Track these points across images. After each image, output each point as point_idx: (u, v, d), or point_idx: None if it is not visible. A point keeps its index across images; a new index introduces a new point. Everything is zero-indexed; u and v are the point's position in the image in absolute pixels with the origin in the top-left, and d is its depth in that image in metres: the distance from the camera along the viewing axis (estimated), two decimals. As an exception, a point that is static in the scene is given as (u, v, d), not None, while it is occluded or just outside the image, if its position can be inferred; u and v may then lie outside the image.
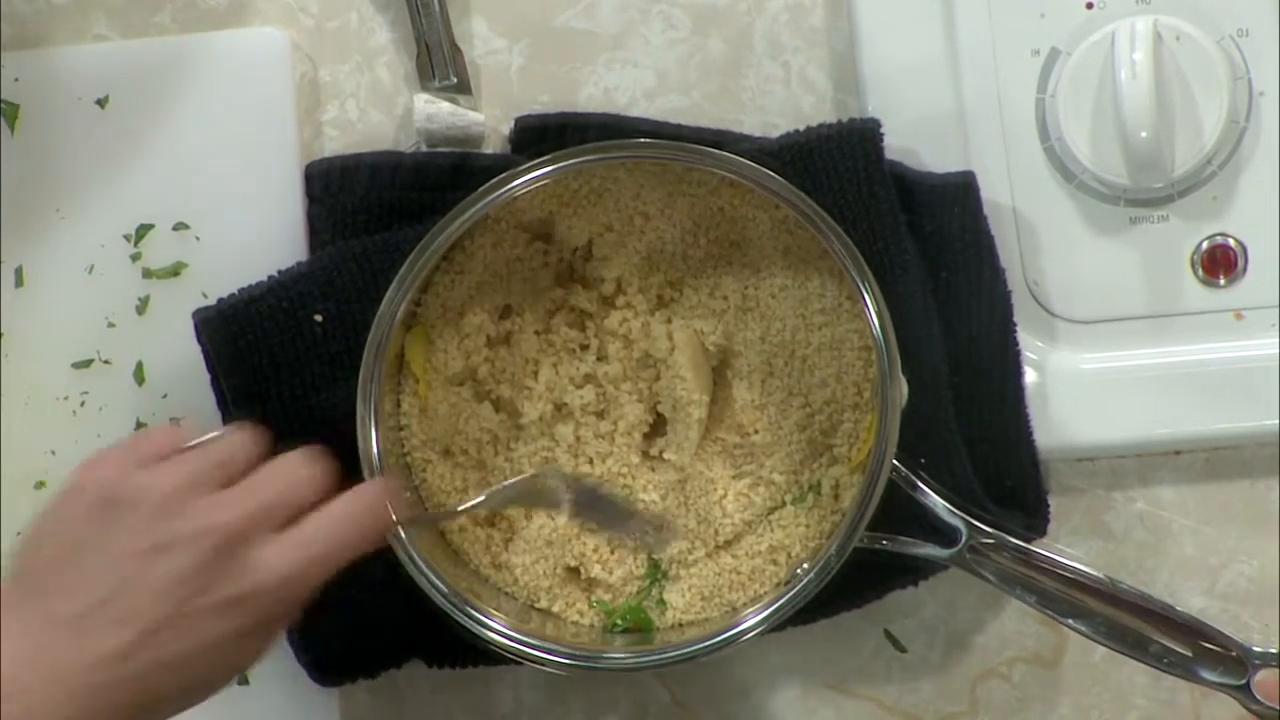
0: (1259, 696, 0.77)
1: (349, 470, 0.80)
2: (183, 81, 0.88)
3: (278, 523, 0.72)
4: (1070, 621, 0.79)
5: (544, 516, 0.84)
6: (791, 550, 0.83)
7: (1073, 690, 0.87)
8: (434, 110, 0.87)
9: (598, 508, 0.82)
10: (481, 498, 0.82)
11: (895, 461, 0.78)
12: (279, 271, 0.84)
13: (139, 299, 0.87)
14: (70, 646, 0.68)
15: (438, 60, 0.88)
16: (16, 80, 0.88)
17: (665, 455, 0.84)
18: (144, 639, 0.68)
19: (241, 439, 0.75)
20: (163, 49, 0.88)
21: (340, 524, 0.74)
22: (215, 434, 0.76)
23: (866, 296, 0.78)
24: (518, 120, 0.87)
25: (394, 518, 0.77)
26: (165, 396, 0.87)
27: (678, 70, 0.88)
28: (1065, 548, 0.87)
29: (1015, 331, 0.84)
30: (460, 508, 0.82)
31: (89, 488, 0.72)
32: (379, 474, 0.81)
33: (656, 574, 0.84)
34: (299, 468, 0.75)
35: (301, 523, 0.73)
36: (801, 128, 0.83)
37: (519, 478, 0.83)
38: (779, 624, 0.79)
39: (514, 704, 0.89)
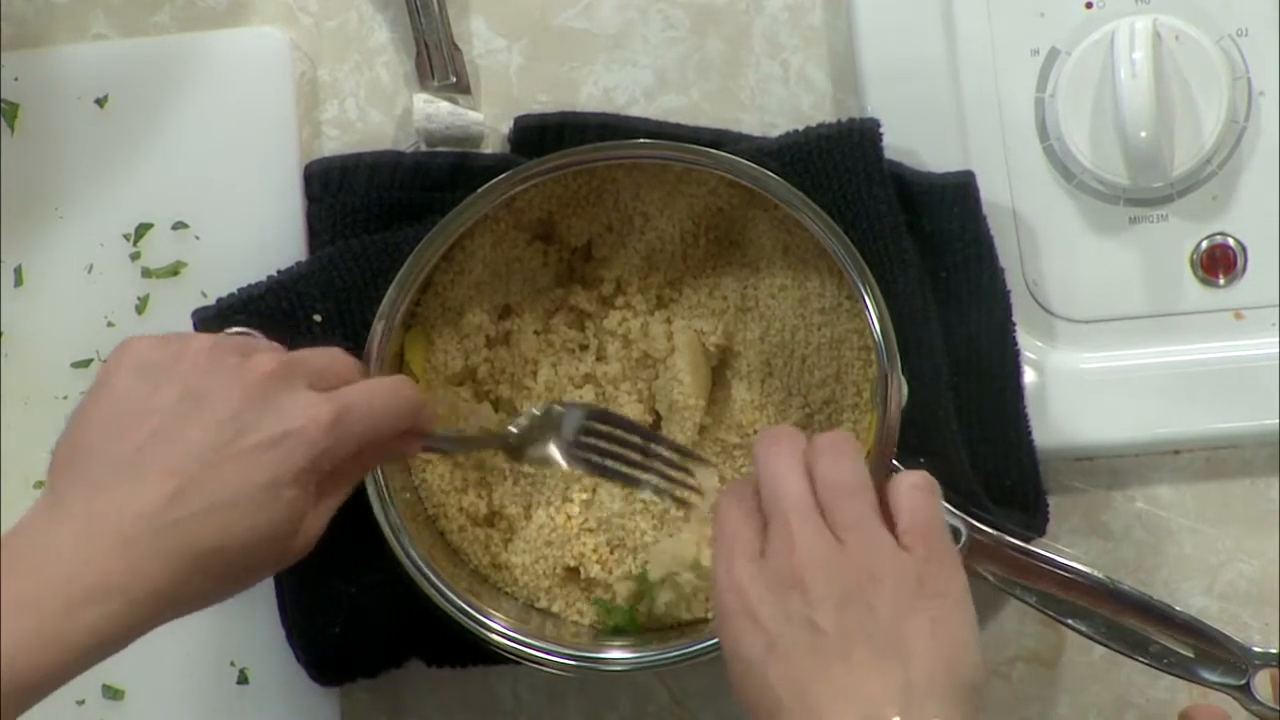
0: (1259, 697, 0.77)
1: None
2: (182, 81, 0.88)
3: (319, 384, 0.72)
4: (1070, 621, 0.79)
5: (545, 516, 0.84)
6: (791, 550, 0.83)
7: (1071, 689, 0.87)
8: (433, 110, 0.87)
9: (611, 445, 0.82)
10: (504, 428, 0.81)
11: (895, 461, 0.78)
12: (278, 271, 0.84)
13: (138, 298, 0.87)
14: (111, 501, 0.67)
15: (437, 60, 0.88)
16: (16, 79, 0.88)
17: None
18: (183, 486, 0.67)
19: (330, 353, 0.76)
20: (162, 48, 0.88)
21: (376, 393, 0.74)
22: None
23: (866, 296, 0.78)
24: (517, 120, 0.87)
25: (427, 418, 0.77)
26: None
27: (677, 70, 0.88)
28: (1064, 547, 0.87)
29: (1014, 331, 0.84)
30: (470, 435, 0.82)
31: (126, 357, 0.71)
32: (378, 473, 0.81)
33: (647, 585, 0.84)
34: (342, 356, 0.75)
35: (340, 388, 0.73)
36: (801, 127, 0.83)
37: (534, 409, 0.82)
38: (779, 624, 0.79)
39: (513, 703, 0.89)
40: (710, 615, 0.83)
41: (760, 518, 0.70)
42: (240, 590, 0.72)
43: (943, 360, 0.82)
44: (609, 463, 0.81)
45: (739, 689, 0.68)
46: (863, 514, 0.69)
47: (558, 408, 0.81)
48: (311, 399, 0.71)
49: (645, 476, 0.82)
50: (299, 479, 0.70)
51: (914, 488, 0.70)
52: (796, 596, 0.66)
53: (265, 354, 0.72)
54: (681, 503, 0.82)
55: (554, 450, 0.81)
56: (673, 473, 0.82)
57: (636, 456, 0.82)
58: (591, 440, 0.81)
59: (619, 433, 0.81)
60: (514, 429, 0.81)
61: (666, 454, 0.82)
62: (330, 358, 0.75)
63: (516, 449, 0.81)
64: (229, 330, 0.78)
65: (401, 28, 0.89)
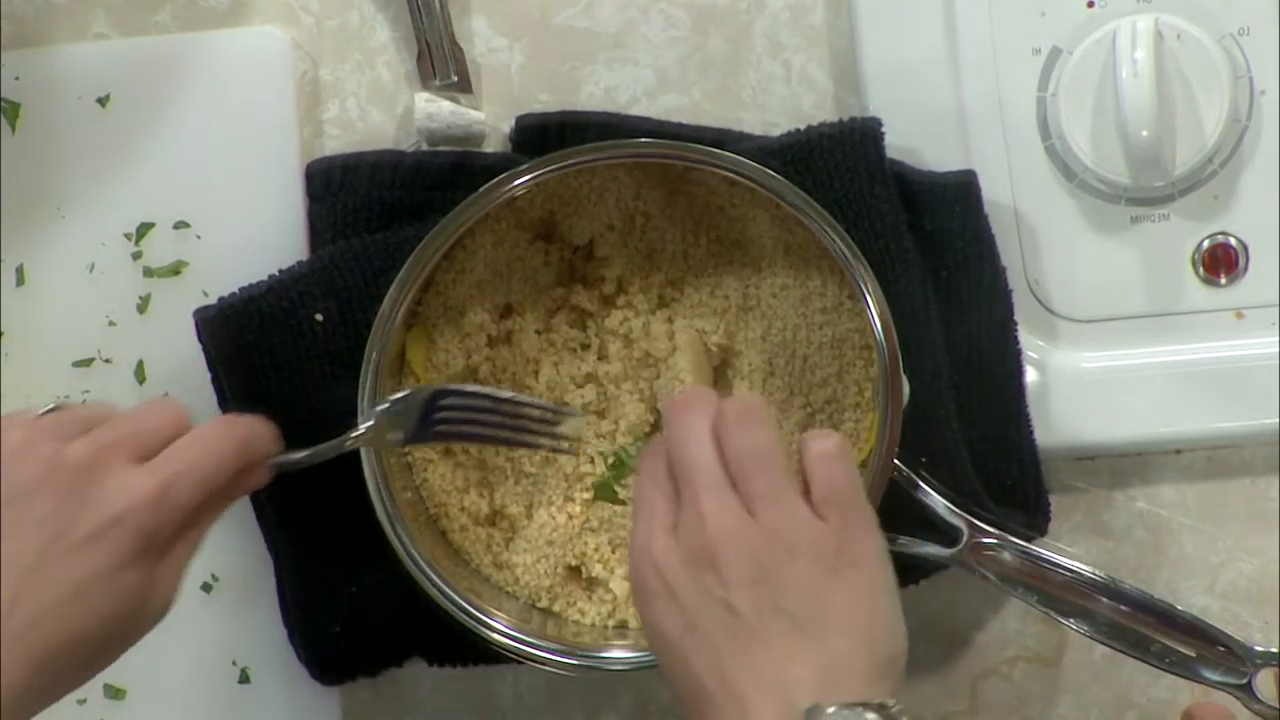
0: (1260, 696, 0.77)
1: (349, 470, 0.80)
2: (183, 80, 0.87)
3: (138, 454, 0.71)
4: (1071, 621, 0.79)
5: (546, 515, 0.84)
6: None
7: (1073, 689, 0.87)
8: (434, 109, 0.87)
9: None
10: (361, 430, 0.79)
11: (896, 461, 0.78)
12: (279, 270, 0.84)
13: (140, 298, 0.87)
14: None
15: (438, 59, 0.88)
16: (17, 79, 0.88)
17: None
18: (17, 596, 0.67)
19: (149, 411, 0.73)
20: (163, 48, 0.88)
21: (201, 446, 0.72)
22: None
23: (867, 295, 0.78)
24: (518, 119, 0.87)
25: (263, 449, 0.76)
26: (166, 395, 0.87)
27: (678, 69, 0.88)
28: (1066, 546, 0.87)
29: (1016, 330, 0.84)
30: (344, 441, 0.79)
31: None
32: (379, 473, 0.81)
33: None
34: (164, 410, 0.73)
35: (165, 451, 0.72)
36: (802, 126, 0.83)
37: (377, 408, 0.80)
38: (780, 623, 0.79)
39: (514, 703, 0.89)
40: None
41: (674, 486, 0.69)
42: (109, 664, 0.71)
43: (944, 359, 0.82)
44: (464, 428, 0.81)
45: (663, 667, 0.68)
46: (774, 484, 0.68)
47: (397, 402, 0.80)
48: (130, 480, 0.70)
49: (506, 434, 0.81)
50: (135, 560, 0.69)
51: (825, 454, 0.70)
52: (711, 576, 0.66)
53: (79, 440, 0.70)
54: (557, 451, 0.83)
55: (399, 435, 0.80)
56: (536, 425, 0.81)
57: (497, 419, 0.81)
58: (443, 414, 0.80)
59: (472, 402, 0.81)
60: (354, 432, 0.79)
61: (532, 412, 0.82)
62: (149, 417, 0.73)
63: (373, 445, 0.81)
64: (43, 410, 0.74)
65: (403, 27, 0.89)
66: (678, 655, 0.67)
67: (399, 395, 0.80)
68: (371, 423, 0.79)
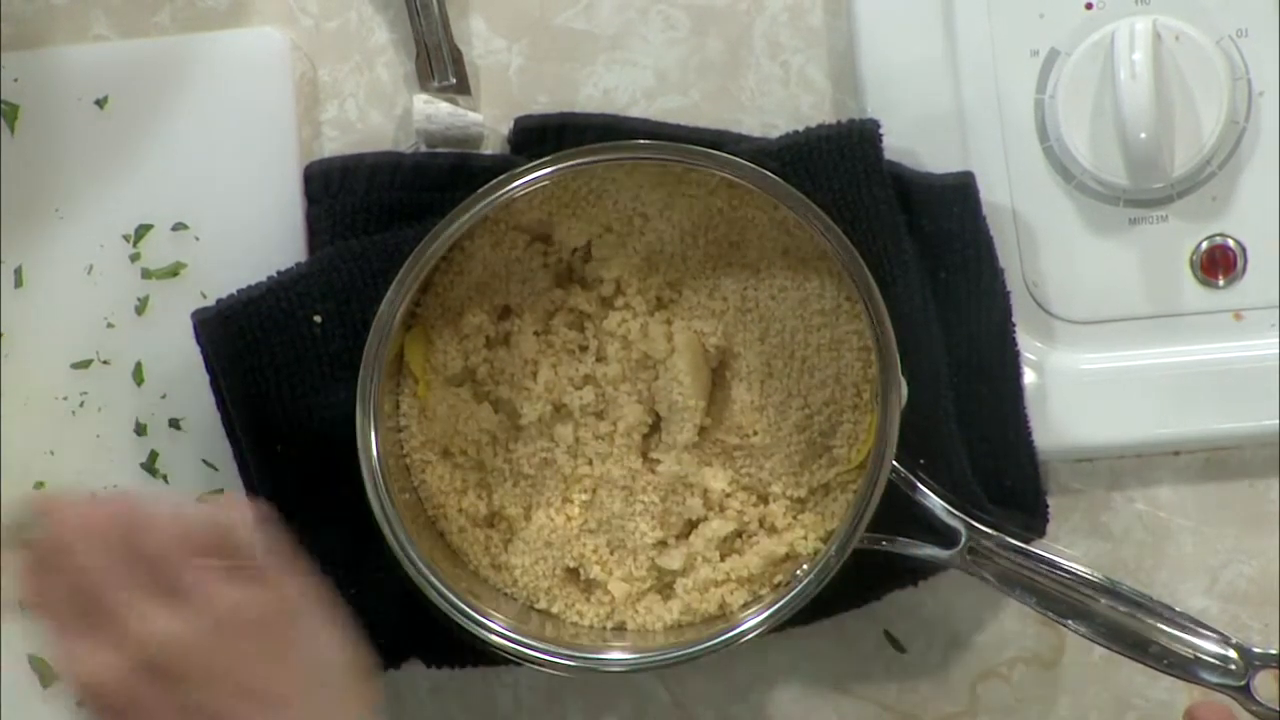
0: (1259, 697, 0.77)
1: (349, 469, 0.80)
2: (182, 82, 0.88)
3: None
4: (1070, 622, 0.79)
5: (544, 517, 0.84)
6: (791, 551, 0.83)
7: (1071, 690, 0.87)
8: (433, 111, 0.87)
9: None
10: None
11: (895, 462, 0.78)
12: (278, 272, 0.84)
13: (138, 299, 0.87)
14: None
15: (437, 60, 0.88)
16: (16, 80, 0.88)
17: (655, 457, 0.84)
18: None
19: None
20: (162, 49, 0.88)
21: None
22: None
23: (865, 297, 0.78)
24: (517, 121, 0.87)
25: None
26: (164, 397, 0.87)
27: (677, 70, 0.88)
28: (1064, 548, 0.87)
29: (1014, 332, 0.84)
30: None
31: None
32: (378, 474, 0.81)
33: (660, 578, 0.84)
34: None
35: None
36: (801, 128, 0.83)
37: None
38: (779, 624, 0.79)
39: (513, 704, 0.89)
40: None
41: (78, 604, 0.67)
42: None
43: (942, 361, 0.82)
44: None
45: None
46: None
47: None
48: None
49: None
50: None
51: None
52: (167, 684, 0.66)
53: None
54: None
55: None
56: None
57: None
58: None
59: None
60: None
61: None
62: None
63: None
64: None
65: (402, 28, 0.89)
66: None
67: None
68: None
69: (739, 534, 0.84)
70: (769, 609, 0.80)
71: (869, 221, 0.81)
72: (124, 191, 0.87)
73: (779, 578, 0.83)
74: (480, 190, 0.80)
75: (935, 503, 0.80)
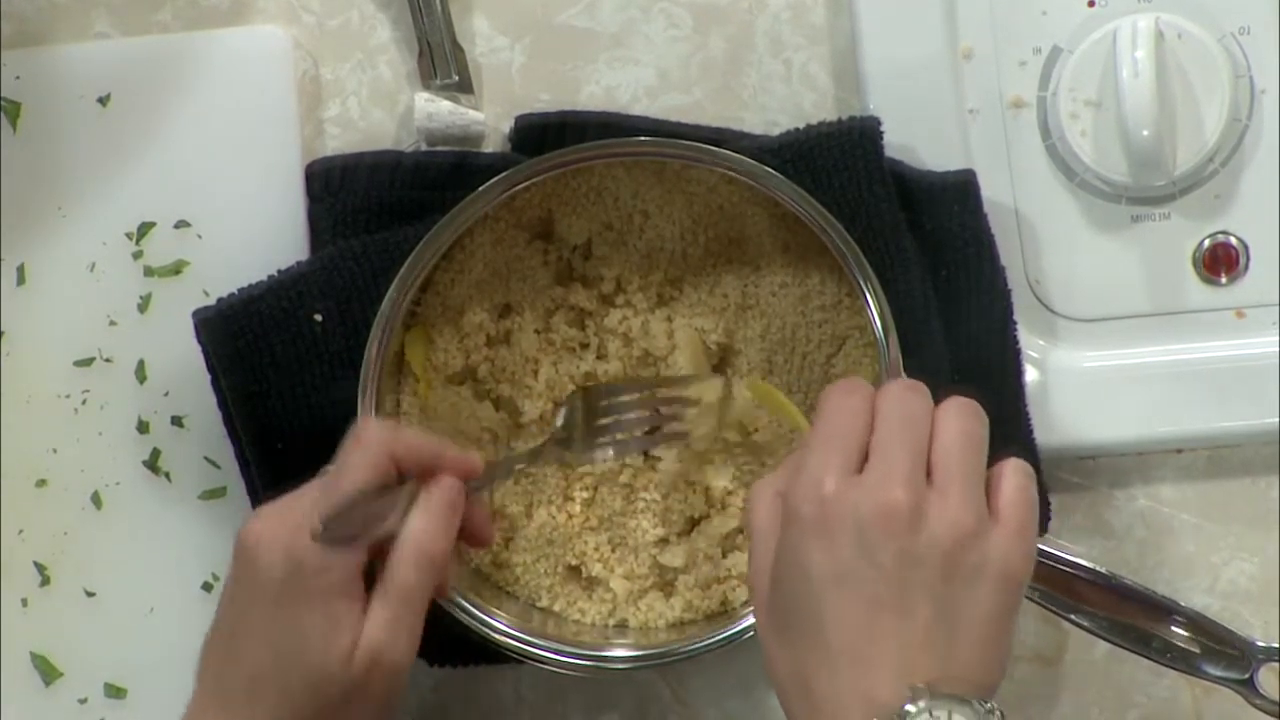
0: (1263, 691, 0.76)
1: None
2: (184, 80, 0.88)
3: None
4: (1072, 617, 0.78)
5: (546, 515, 0.84)
6: (792, 548, 0.83)
7: (1073, 688, 0.87)
8: (434, 109, 0.87)
9: None
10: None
11: (896, 460, 0.78)
12: (279, 271, 0.84)
13: (140, 297, 0.87)
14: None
15: (439, 58, 0.88)
16: (18, 78, 0.88)
17: (656, 454, 0.84)
18: None
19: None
20: (164, 47, 0.88)
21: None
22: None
23: (867, 293, 0.78)
24: (518, 119, 0.87)
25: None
26: (167, 394, 0.87)
27: (679, 68, 0.88)
28: (1067, 544, 0.87)
29: (1015, 329, 0.84)
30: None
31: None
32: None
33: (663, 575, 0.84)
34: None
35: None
36: (802, 125, 0.83)
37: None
38: (779, 623, 0.79)
39: (515, 702, 0.89)
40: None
41: (868, 434, 0.68)
42: None
43: (944, 358, 0.82)
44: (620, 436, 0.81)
45: (778, 596, 0.68)
46: (975, 472, 0.68)
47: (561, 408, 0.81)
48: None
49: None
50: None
51: (1020, 469, 0.70)
52: (879, 536, 0.65)
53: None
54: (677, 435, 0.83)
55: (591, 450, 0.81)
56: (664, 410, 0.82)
57: (645, 413, 0.82)
58: (605, 421, 0.81)
59: (621, 400, 0.81)
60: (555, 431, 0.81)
61: (664, 394, 0.82)
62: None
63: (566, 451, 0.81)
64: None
65: (404, 26, 0.89)
66: (809, 599, 0.66)
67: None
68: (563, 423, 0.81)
69: (740, 531, 0.84)
70: (770, 607, 0.79)
71: (870, 219, 0.81)
72: (126, 189, 0.87)
73: (780, 575, 0.83)
74: (481, 188, 0.80)
75: (937, 499, 0.80)
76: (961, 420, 0.69)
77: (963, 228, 0.83)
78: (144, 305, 0.87)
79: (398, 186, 0.85)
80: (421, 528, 0.74)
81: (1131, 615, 0.77)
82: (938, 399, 0.73)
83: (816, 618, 0.66)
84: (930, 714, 0.63)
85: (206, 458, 0.87)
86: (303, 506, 0.74)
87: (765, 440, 0.84)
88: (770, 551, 0.69)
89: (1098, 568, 0.78)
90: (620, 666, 0.82)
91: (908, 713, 0.63)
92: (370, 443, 0.75)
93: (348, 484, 0.74)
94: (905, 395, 0.70)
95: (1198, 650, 0.77)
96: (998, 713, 0.64)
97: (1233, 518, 0.87)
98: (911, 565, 0.66)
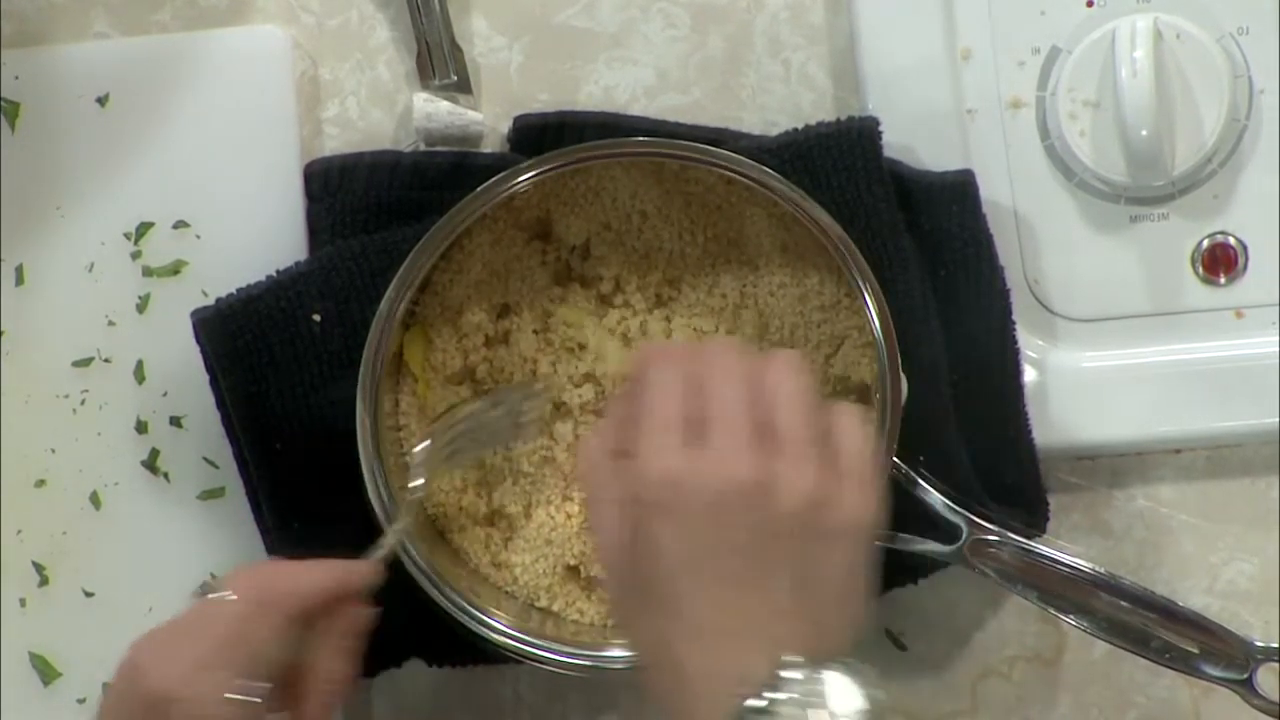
0: (1261, 691, 0.77)
1: (349, 468, 0.80)
2: (183, 79, 0.88)
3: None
4: (1071, 618, 0.79)
5: (545, 515, 0.84)
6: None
7: (1073, 688, 0.87)
8: (433, 109, 0.87)
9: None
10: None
11: (895, 459, 0.78)
12: (277, 271, 0.84)
13: (139, 297, 0.87)
14: None
15: (438, 59, 0.88)
16: (17, 78, 0.88)
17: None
18: None
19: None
20: (163, 47, 0.88)
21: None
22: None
23: (865, 294, 0.78)
24: (516, 119, 0.87)
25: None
26: (165, 395, 0.87)
27: (678, 68, 0.88)
28: (1066, 544, 0.87)
29: (1014, 329, 0.84)
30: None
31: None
32: (378, 473, 0.81)
33: None
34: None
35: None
36: (801, 125, 0.83)
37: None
38: (778, 622, 0.79)
39: (514, 702, 0.89)
40: None
41: (697, 400, 0.68)
42: None
43: (943, 358, 0.82)
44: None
45: (634, 575, 0.67)
46: (809, 428, 0.67)
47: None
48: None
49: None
50: None
51: (850, 416, 0.69)
52: (730, 511, 0.65)
53: None
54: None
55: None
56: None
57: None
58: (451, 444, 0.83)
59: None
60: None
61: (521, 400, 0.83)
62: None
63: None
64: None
65: (403, 26, 0.89)
66: (670, 580, 0.66)
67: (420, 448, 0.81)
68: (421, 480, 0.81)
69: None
70: (769, 607, 0.79)
71: (868, 218, 0.81)
72: (125, 189, 0.87)
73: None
74: (479, 189, 0.80)
75: (936, 498, 0.80)
76: (790, 378, 0.69)
77: (961, 228, 0.83)
78: (143, 305, 0.87)
79: (396, 187, 0.85)
80: (327, 668, 0.74)
81: (1130, 616, 0.78)
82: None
83: (677, 598, 0.66)
84: (807, 680, 0.63)
85: (205, 458, 0.87)
86: (202, 651, 0.70)
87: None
88: (615, 523, 0.68)
89: (1095, 569, 0.78)
90: (620, 666, 0.81)
91: (784, 681, 0.63)
92: (268, 605, 0.72)
93: (256, 644, 0.71)
94: (730, 359, 0.69)
95: (1196, 650, 0.77)
96: (866, 669, 0.64)
97: (1232, 518, 0.87)
98: (767, 537, 0.65)
